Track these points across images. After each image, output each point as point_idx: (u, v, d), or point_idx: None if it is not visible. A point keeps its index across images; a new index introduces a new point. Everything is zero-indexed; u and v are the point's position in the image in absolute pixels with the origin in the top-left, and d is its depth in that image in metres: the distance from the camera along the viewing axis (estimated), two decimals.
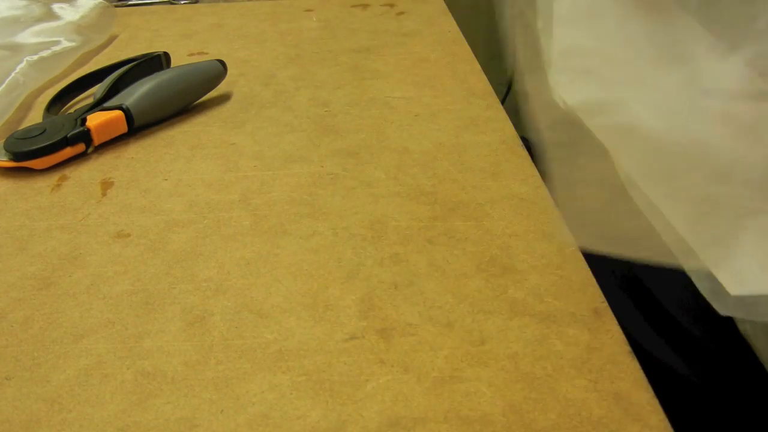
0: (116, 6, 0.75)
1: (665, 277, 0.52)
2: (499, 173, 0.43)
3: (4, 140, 0.47)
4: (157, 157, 0.47)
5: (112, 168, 0.46)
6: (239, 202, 0.42)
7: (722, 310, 0.23)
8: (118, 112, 0.48)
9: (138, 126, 0.50)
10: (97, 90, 0.52)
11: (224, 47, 0.66)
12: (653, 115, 0.31)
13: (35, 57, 0.58)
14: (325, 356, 0.30)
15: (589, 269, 0.35)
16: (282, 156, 0.46)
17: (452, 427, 0.27)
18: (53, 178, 0.45)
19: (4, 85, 0.53)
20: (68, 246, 0.38)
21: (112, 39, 0.69)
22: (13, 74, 0.55)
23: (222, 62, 0.55)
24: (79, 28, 0.64)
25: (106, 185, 0.44)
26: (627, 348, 0.30)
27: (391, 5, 0.76)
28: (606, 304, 0.33)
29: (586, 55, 0.37)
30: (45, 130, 0.46)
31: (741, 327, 0.43)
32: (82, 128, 0.47)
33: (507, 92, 1.48)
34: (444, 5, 0.75)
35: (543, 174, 0.43)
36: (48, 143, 0.45)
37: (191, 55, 0.64)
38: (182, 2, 0.81)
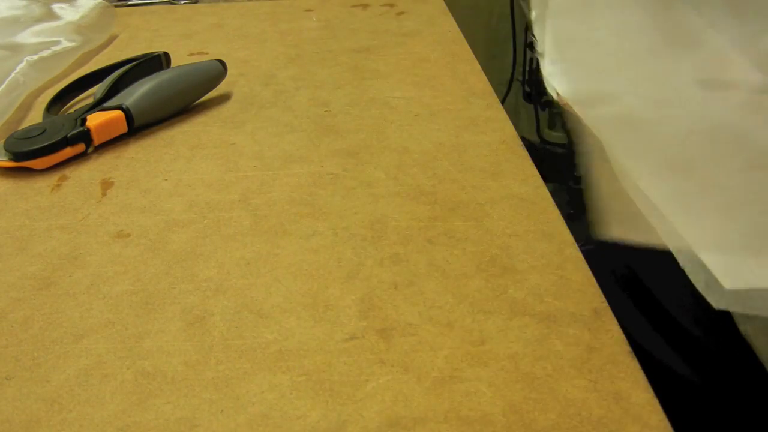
0: (116, 6, 0.75)
1: (665, 277, 0.52)
2: (499, 173, 0.43)
3: (4, 140, 0.47)
4: (157, 157, 0.47)
5: (112, 168, 0.46)
6: (239, 202, 0.42)
7: (716, 303, 0.23)
8: (118, 112, 0.48)
9: (138, 126, 0.50)
10: (97, 90, 0.52)
11: (224, 47, 0.66)
12: (648, 106, 0.31)
13: (35, 57, 0.58)
14: (325, 356, 0.30)
15: (589, 269, 0.35)
16: (282, 156, 0.46)
17: (452, 427, 0.27)
18: (53, 178, 0.45)
19: (4, 85, 0.53)
20: (68, 246, 0.38)
21: (112, 39, 0.69)
22: (13, 74, 0.55)
23: (222, 62, 0.55)
24: (79, 28, 0.64)
25: (106, 185, 0.44)
26: (627, 348, 0.30)
27: (391, 5, 0.76)
28: (606, 304, 0.33)
29: (580, 46, 0.37)
30: (45, 130, 0.46)
31: (741, 327, 0.43)
32: (82, 128, 0.47)
33: (507, 92, 1.48)
34: (444, 5, 0.75)
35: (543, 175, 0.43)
36: (48, 143, 0.45)
37: (191, 55, 0.64)
38: (182, 2, 0.81)
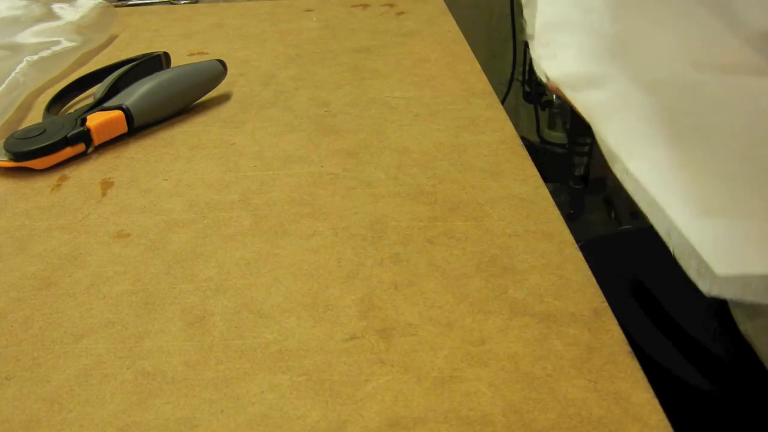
0: (116, 6, 0.75)
1: (665, 276, 0.52)
2: (499, 173, 0.43)
3: (4, 140, 0.47)
4: (157, 157, 0.47)
5: (112, 168, 0.46)
6: (239, 202, 0.42)
7: (708, 290, 0.23)
8: (118, 112, 0.48)
9: (138, 126, 0.50)
10: (97, 90, 0.52)
11: (224, 47, 0.66)
12: (640, 89, 0.31)
13: (35, 57, 0.58)
14: (325, 356, 0.30)
15: (589, 269, 0.35)
16: (282, 156, 0.46)
17: (452, 427, 0.27)
18: (53, 178, 0.45)
19: (4, 85, 0.53)
20: (68, 246, 0.38)
21: (112, 39, 0.69)
22: (13, 74, 0.55)
23: (222, 62, 0.55)
24: (79, 28, 0.64)
25: (106, 185, 0.44)
26: (627, 348, 0.30)
27: (391, 5, 0.76)
28: (606, 304, 0.33)
29: (571, 29, 0.37)
30: (45, 130, 0.46)
31: (741, 327, 0.43)
32: (82, 128, 0.47)
33: (507, 92, 1.48)
34: (444, 5, 0.75)
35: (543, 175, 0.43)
36: (48, 143, 0.45)
37: (191, 55, 0.64)
38: (182, 2, 0.81)
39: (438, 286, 0.34)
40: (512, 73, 1.44)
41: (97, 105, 0.50)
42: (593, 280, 0.34)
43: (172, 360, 0.31)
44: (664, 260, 0.55)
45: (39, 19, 0.63)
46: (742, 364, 0.43)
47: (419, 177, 0.43)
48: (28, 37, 0.61)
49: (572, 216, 1.23)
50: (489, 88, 0.55)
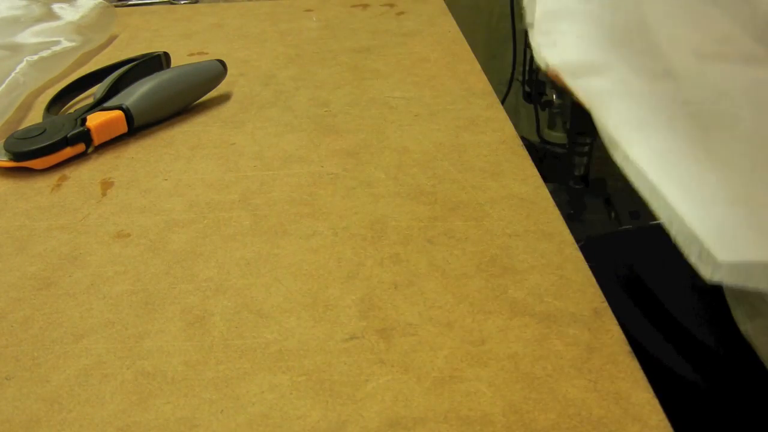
0: (116, 6, 0.75)
1: (666, 276, 0.52)
2: (499, 173, 0.43)
3: (4, 140, 0.47)
4: (157, 157, 0.47)
5: (112, 168, 0.46)
6: (239, 202, 0.42)
7: (710, 276, 0.23)
8: (118, 112, 0.48)
9: (138, 126, 0.50)
10: (97, 90, 0.52)
11: (224, 47, 0.66)
12: (641, 78, 0.31)
13: (35, 57, 0.58)
14: (325, 356, 0.30)
15: (589, 269, 0.35)
16: (282, 156, 0.46)
17: (452, 427, 0.27)
18: (53, 178, 0.45)
19: (4, 85, 0.53)
20: (68, 246, 0.38)
21: (112, 39, 0.69)
22: (13, 74, 0.55)
23: (222, 62, 0.55)
24: (79, 28, 0.64)
25: (106, 185, 0.44)
26: (627, 348, 0.30)
27: (391, 5, 0.76)
28: (606, 304, 0.33)
29: (572, 18, 0.36)
30: (45, 130, 0.46)
31: (742, 327, 0.43)
32: (82, 128, 0.47)
33: (507, 92, 1.48)
34: (444, 5, 0.75)
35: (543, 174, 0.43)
36: (48, 143, 0.45)
37: (191, 55, 0.64)
38: (182, 2, 0.81)
39: (438, 286, 0.34)
40: (512, 73, 1.44)
41: (97, 105, 0.50)
42: (593, 280, 0.34)
43: (172, 360, 0.31)
44: (664, 259, 0.55)
45: (39, 19, 0.63)
46: (741, 362, 0.43)
47: (419, 177, 0.43)
48: (28, 37, 0.61)
49: (572, 216, 1.23)
50: (489, 88, 0.55)
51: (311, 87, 0.57)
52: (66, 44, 0.61)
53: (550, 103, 1.20)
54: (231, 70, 0.57)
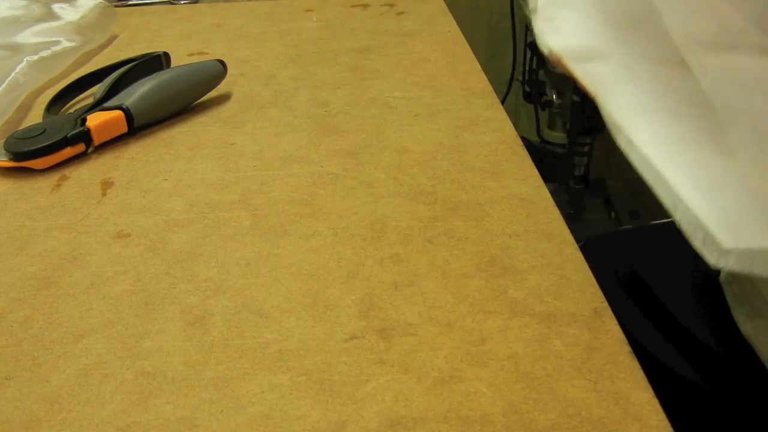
0: (116, 6, 0.75)
1: (666, 276, 0.52)
2: (499, 173, 0.43)
3: (4, 140, 0.47)
4: (157, 157, 0.47)
5: (112, 168, 0.46)
6: (239, 202, 0.42)
7: (715, 261, 0.23)
8: (118, 112, 0.48)
9: (138, 126, 0.50)
10: (97, 90, 0.52)
11: (224, 47, 0.66)
12: (645, 64, 0.31)
13: (35, 57, 0.58)
14: (325, 356, 0.30)
15: (589, 269, 0.35)
16: (282, 156, 0.46)
17: (452, 427, 0.27)
18: (53, 178, 0.45)
19: (4, 85, 0.53)
20: (68, 246, 0.38)
21: (112, 39, 0.69)
22: (13, 74, 0.55)
23: (222, 62, 0.55)
24: (79, 28, 0.64)
25: (106, 185, 0.44)
26: (627, 348, 0.30)
27: (391, 5, 0.75)
28: (606, 304, 0.33)
29: (576, 5, 0.36)
30: (45, 130, 0.46)
31: (742, 328, 0.43)
32: (82, 128, 0.47)
33: (507, 92, 1.48)
34: (444, 5, 0.75)
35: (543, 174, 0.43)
36: (48, 143, 0.45)
37: (191, 55, 0.64)
38: (182, 2, 0.81)
39: (438, 286, 0.34)
40: (512, 73, 1.44)
41: (97, 105, 0.50)
42: (593, 280, 0.34)
43: (172, 360, 0.31)
44: (664, 259, 0.55)
45: (39, 19, 0.63)
46: (741, 362, 0.43)
47: (419, 177, 0.43)
48: (28, 37, 0.61)
49: (572, 216, 1.23)
50: (489, 88, 0.55)
51: (311, 87, 0.57)
52: (66, 44, 0.61)
53: (550, 103, 1.20)
54: (231, 70, 0.57)
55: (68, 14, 0.65)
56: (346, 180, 0.43)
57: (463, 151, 0.46)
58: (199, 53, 0.65)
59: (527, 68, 1.33)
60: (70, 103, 0.55)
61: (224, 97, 0.55)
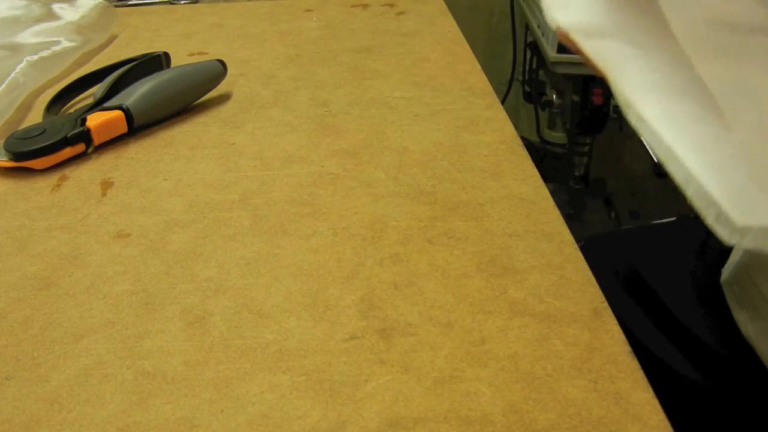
0: (116, 6, 0.75)
1: (666, 275, 0.52)
2: (499, 173, 0.43)
3: (4, 140, 0.47)
4: (157, 157, 0.47)
5: (112, 168, 0.46)
6: (239, 202, 0.42)
7: (728, 238, 0.22)
8: (118, 112, 0.48)
9: (138, 126, 0.50)
10: (97, 90, 0.52)
11: (224, 47, 0.66)
12: (654, 41, 0.30)
13: (35, 57, 0.58)
14: (325, 356, 0.30)
15: (589, 269, 0.35)
16: (282, 156, 0.46)
17: (452, 427, 0.27)
18: (53, 178, 0.45)
19: (4, 85, 0.53)
20: (68, 246, 0.38)
21: (112, 39, 0.69)
22: (13, 74, 0.55)
23: (222, 62, 0.55)
24: (79, 28, 0.64)
25: (106, 185, 0.44)
26: (627, 348, 0.30)
27: (391, 5, 0.75)
28: (606, 304, 0.33)
29: None
30: (45, 130, 0.46)
31: (743, 329, 0.43)
32: (82, 128, 0.47)
33: (507, 92, 1.48)
34: (444, 5, 0.75)
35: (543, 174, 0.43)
36: (48, 143, 0.45)
37: (191, 55, 0.64)
38: (182, 2, 0.81)
39: (438, 286, 0.34)
40: (512, 73, 1.44)
41: (97, 105, 0.50)
42: (593, 280, 0.34)
43: (172, 360, 0.31)
44: (664, 259, 0.55)
45: (39, 19, 0.63)
46: (742, 363, 0.43)
47: (419, 177, 0.43)
48: (28, 37, 0.61)
49: (572, 216, 1.23)
50: (489, 88, 0.55)
51: (311, 87, 0.57)
52: (66, 44, 0.61)
53: (550, 103, 1.20)
54: (231, 70, 0.57)
55: (68, 14, 0.65)
56: (346, 180, 0.43)
57: (463, 151, 0.46)
58: (199, 53, 0.65)
59: (527, 68, 1.33)
60: (70, 103, 0.55)
61: (224, 97, 0.55)
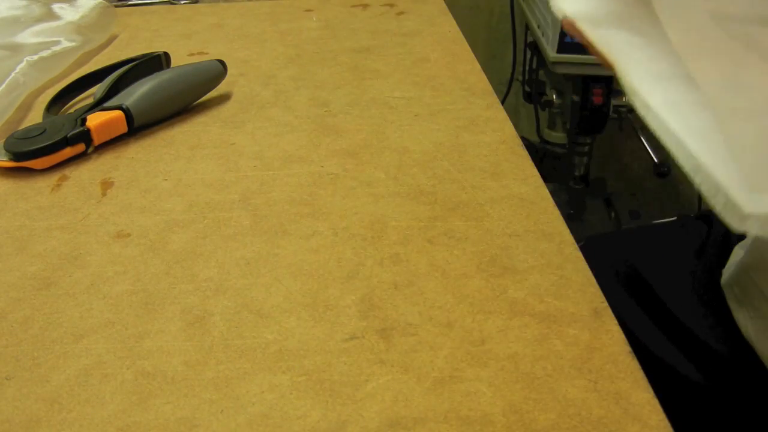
0: (116, 6, 0.75)
1: (666, 275, 0.52)
2: (499, 173, 0.43)
3: (4, 140, 0.47)
4: (157, 157, 0.47)
5: (112, 168, 0.46)
6: (239, 202, 0.42)
7: (737, 225, 0.22)
8: (118, 112, 0.48)
9: (138, 126, 0.50)
10: (97, 90, 0.52)
11: (224, 47, 0.66)
12: (657, 32, 0.30)
13: (35, 57, 0.58)
14: (325, 356, 0.30)
15: (589, 269, 0.35)
16: (282, 156, 0.46)
17: (452, 427, 0.27)
18: (53, 178, 0.45)
19: (4, 85, 0.53)
20: (68, 246, 0.38)
21: (112, 39, 0.69)
22: (13, 74, 0.55)
23: (222, 62, 0.55)
24: (79, 28, 0.64)
25: (106, 185, 0.44)
26: (627, 348, 0.30)
27: (391, 5, 0.75)
28: (606, 304, 0.33)
29: None
30: (45, 130, 0.46)
31: (743, 329, 0.43)
32: (82, 128, 0.47)
33: (507, 92, 1.48)
34: (444, 5, 0.75)
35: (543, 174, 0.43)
36: (48, 143, 0.45)
37: (191, 55, 0.64)
38: (182, 2, 0.81)
39: (438, 286, 0.34)
40: (512, 73, 1.44)
41: (97, 105, 0.49)
42: (593, 280, 0.34)
43: (172, 360, 0.31)
44: (665, 259, 0.55)
45: (39, 19, 0.63)
46: (742, 362, 0.43)
47: (419, 177, 0.43)
48: (28, 37, 0.61)
49: (572, 216, 1.23)
50: (489, 88, 0.55)
51: (311, 87, 0.57)
52: (66, 44, 0.61)
53: (550, 103, 1.20)
54: (231, 70, 0.57)
55: (68, 14, 0.65)
56: (346, 180, 0.43)
57: (463, 151, 0.46)
58: (199, 53, 0.65)
59: (527, 68, 1.33)
60: (70, 103, 0.55)
61: (224, 97, 0.55)
